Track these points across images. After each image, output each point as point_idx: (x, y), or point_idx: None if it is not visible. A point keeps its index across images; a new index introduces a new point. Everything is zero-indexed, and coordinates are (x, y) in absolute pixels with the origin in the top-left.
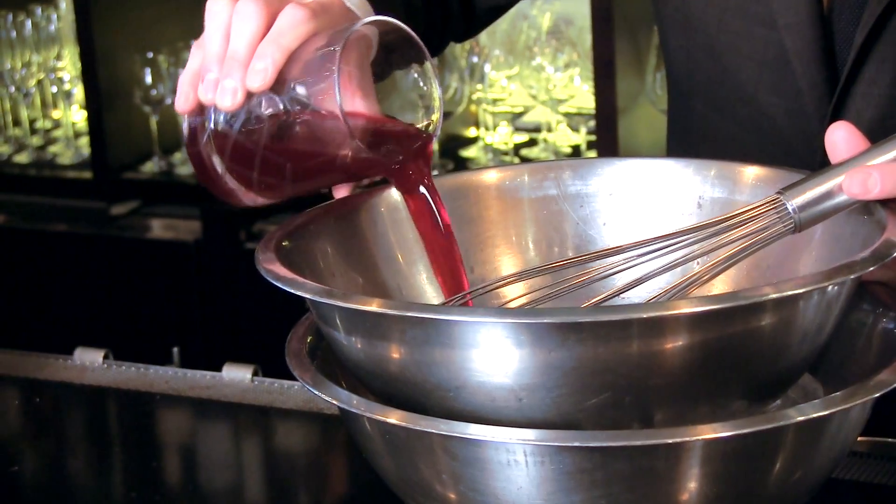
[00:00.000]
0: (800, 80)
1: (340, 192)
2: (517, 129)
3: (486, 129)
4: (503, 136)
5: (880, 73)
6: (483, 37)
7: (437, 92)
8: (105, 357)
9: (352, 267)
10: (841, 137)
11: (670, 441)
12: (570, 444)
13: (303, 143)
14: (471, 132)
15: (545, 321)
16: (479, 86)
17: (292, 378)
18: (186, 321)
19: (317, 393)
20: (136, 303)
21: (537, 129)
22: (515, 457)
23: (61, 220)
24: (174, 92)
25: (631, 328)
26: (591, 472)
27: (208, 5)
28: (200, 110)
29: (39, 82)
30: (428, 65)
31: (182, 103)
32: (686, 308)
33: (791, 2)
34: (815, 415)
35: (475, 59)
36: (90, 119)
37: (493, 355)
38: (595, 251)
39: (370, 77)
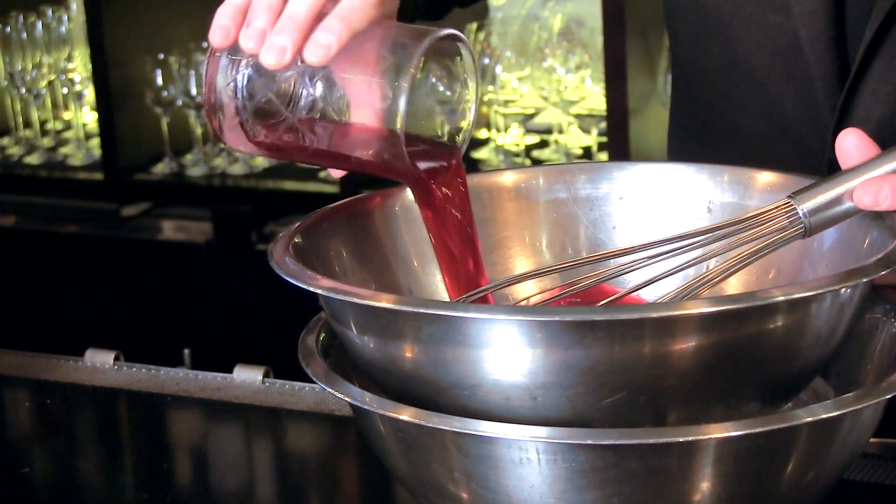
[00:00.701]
0: (812, 68)
1: (339, 173)
2: (528, 131)
3: (498, 130)
4: (514, 138)
5: (890, 71)
6: (494, 38)
7: (472, 98)
8: (116, 358)
9: (364, 266)
10: (851, 144)
11: (683, 440)
12: (582, 442)
13: (335, 129)
14: (482, 134)
15: (561, 319)
16: (491, 87)
17: (303, 379)
18: (197, 323)
19: (330, 390)
20: (147, 304)
21: (548, 131)
22: (528, 454)
23: (72, 221)
24: (185, 94)
25: (647, 327)
26: (604, 471)
27: None
28: (233, 50)
29: (50, 84)
30: (470, 67)
31: (219, 38)
32: (701, 308)
33: None
34: (827, 415)
35: (486, 61)
36: (101, 120)
37: (509, 353)
38: (607, 251)
39: None
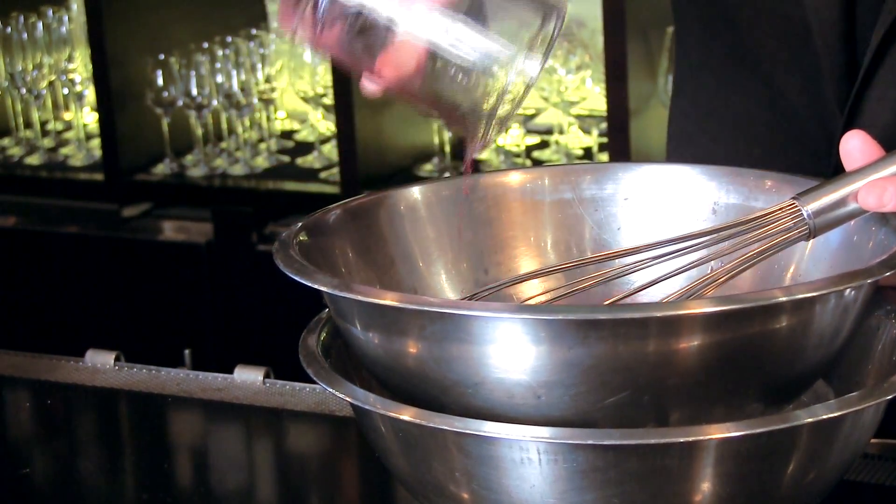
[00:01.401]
0: (821, 60)
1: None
2: (529, 132)
3: None
4: (515, 139)
5: (894, 76)
6: None
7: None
8: (116, 359)
9: (369, 265)
10: (856, 146)
11: (684, 440)
12: (583, 443)
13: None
14: None
15: (565, 318)
16: None
17: (304, 380)
18: (198, 323)
19: (331, 390)
20: (148, 305)
21: (549, 132)
22: (529, 454)
23: (73, 222)
24: (186, 94)
25: (650, 327)
26: (605, 471)
27: None
28: None
29: (51, 84)
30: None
31: None
32: (705, 308)
33: None
34: (828, 416)
35: None
36: (102, 121)
37: (513, 352)
38: (612, 251)
39: None
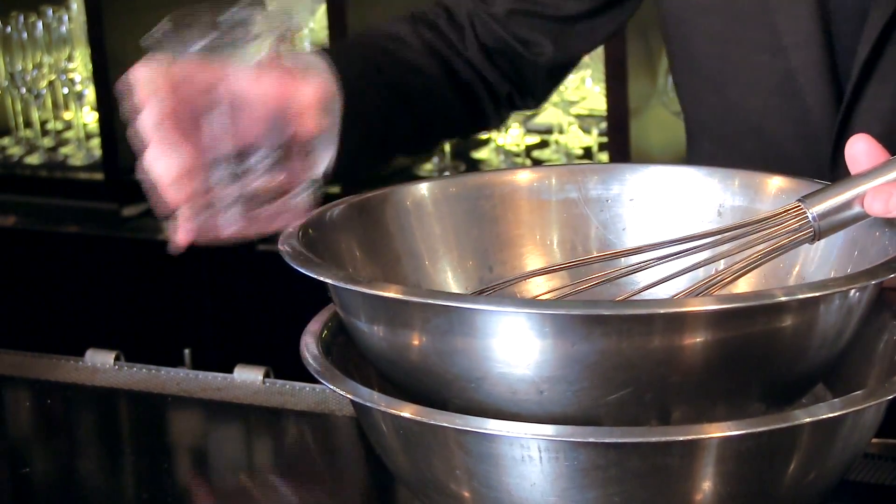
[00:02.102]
0: (807, 97)
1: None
2: (529, 131)
3: (498, 130)
4: (515, 138)
5: (883, 87)
6: None
7: None
8: (116, 359)
9: (374, 261)
10: (861, 150)
11: (685, 439)
12: (584, 441)
13: None
14: (483, 134)
15: (569, 313)
16: None
17: (304, 379)
18: (198, 323)
19: (332, 387)
20: (148, 304)
21: (549, 131)
22: (529, 452)
23: (72, 221)
24: None
25: (654, 323)
26: (606, 469)
27: None
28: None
29: (51, 84)
30: None
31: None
32: (709, 305)
33: (795, 19)
34: (829, 415)
35: None
36: (102, 120)
37: (516, 346)
38: (618, 251)
39: None
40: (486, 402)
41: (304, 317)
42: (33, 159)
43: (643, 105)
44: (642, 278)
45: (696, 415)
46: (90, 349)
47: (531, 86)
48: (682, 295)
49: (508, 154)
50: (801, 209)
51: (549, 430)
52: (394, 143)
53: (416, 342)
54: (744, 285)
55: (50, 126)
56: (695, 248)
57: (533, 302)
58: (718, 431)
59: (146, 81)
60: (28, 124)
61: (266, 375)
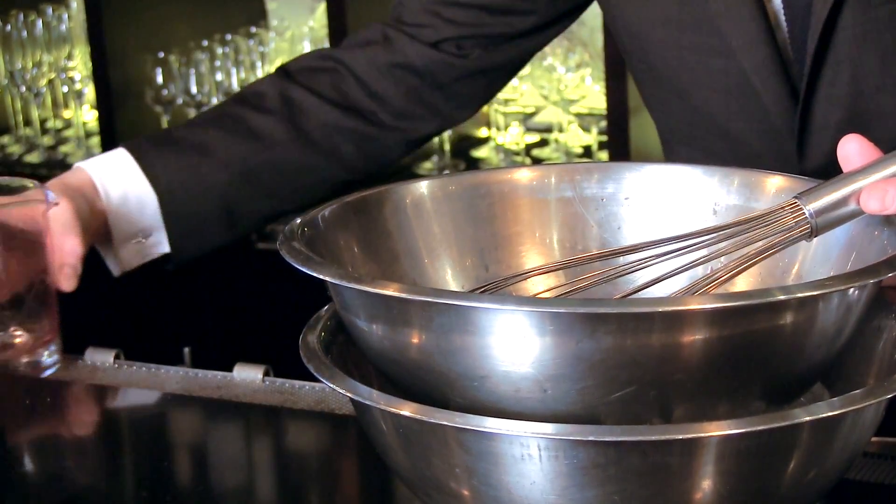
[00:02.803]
0: (763, 96)
1: None
2: (528, 130)
3: (498, 129)
4: (514, 137)
5: (838, 74)
6: None
7: None
8: (116, 357)
9: (373, 259)
10: (853, 150)
11: (684, 437)
12: (584, 439)
13: None
14: (482, 132)
15: (573, 311)
16: None
17: (304, 378)
18: (197, 321)
19: (332, 386)
20: (147, 303)
21: (549, 130)
22: (529, 451)
23: None
24: (185, 92)
25: (658, 322)
26: (605, 468)
27: None
28: None
29: (50, 82)
30: None
31: None
32: (712, 304)
33: (739, 22)
34: (829, 414)
35: None
36: (101, 119)
37: (519, 345)
38: (615, 249)
39: None
40: (488, 400)
41: (303, 315)
42: (33, 158)
43: (643, 104)
44: (640, 276)
45: (698, 412)
46: (90, 347)
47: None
48: (681, 293)
49: (508, 153)
50: (798, 206)
51: (548, 428)
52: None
53: (417, 341)
54: (744, 284)
55: (49, 124)
56: (693, 245)
57: (537, 300)
58: (718, 430)
59: None
60: (28, 123)
61: (266, 374)
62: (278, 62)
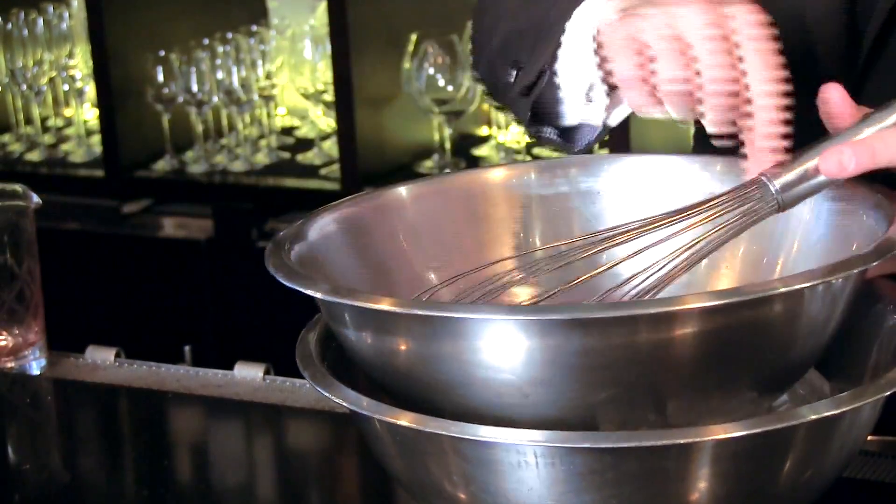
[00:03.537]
0: (822, 57)
1: None
2: None
3: (499, 127)
4: (515, 135)
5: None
6: None
7: None
8: (117, 355)
9: (363, 265)
10: (835, 98)
11: (681, 442)
12: (580, 445)
13: None
14: (483, 131)
15: (548, 318)
16: None
17: (304, 377)
18: (198, 320)
19: (327, 395)
20: (148, 301)
21: None
22: (526, 458)
23: (73, 218)
24: (186, 90)
25: (638, 323)
26: (602, 473)
27: None
28: None
29: (51, 80)
30: None
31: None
32: (691, 304)
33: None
34: (826, 413)
35: None
36: (102, 117)
37: (497, 351)
38: (578, 237)
39: None
40: (479, 407)
41: (304, 314)
42: (34, 156)
43: None
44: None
45: (689, 407)
46: (90, 346)
47: None
48: (654, 278)
49: (509, 151)
50: (763, 182)
51: (544, 435)
52: None
53: (401, 350)
54: (727, 276)
55: (50, 123)
56: (659, 227)
57: (515, 309)
58: (715, 433)
59: None
60: (28, 121)
61: (266, 372)
62: (279, 61)
